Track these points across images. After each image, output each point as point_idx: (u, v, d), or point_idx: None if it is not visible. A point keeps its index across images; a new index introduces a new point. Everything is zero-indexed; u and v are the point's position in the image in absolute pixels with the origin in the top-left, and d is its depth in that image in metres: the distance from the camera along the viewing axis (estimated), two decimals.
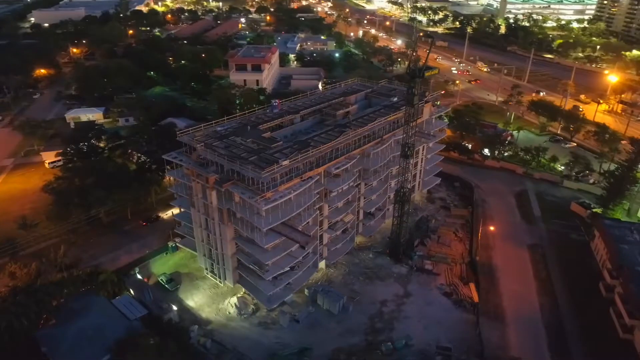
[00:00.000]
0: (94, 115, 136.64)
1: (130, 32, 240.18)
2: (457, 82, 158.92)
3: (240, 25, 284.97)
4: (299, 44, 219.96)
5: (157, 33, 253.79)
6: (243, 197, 59.32)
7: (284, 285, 65.09)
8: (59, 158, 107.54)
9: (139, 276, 73.28)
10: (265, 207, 57.09)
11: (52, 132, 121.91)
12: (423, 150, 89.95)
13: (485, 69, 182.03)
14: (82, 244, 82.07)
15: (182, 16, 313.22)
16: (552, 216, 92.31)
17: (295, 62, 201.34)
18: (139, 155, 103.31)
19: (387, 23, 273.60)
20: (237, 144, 66.91)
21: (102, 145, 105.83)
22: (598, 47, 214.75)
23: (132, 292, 69.74)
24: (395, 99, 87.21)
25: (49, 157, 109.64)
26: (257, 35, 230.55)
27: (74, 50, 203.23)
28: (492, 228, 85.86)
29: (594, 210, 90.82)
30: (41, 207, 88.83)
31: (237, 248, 66.71)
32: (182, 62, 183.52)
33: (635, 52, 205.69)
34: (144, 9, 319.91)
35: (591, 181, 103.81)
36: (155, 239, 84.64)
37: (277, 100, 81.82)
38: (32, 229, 79.19)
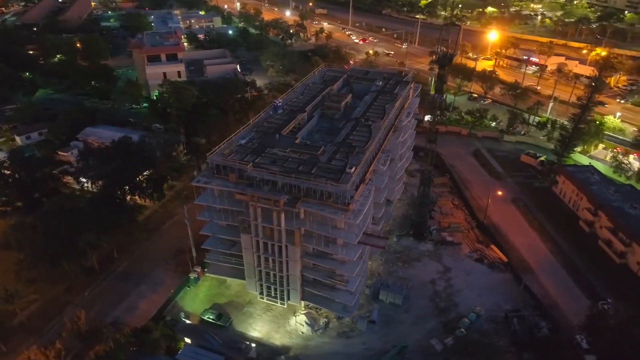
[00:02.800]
0: None
1: None
2: (370, 51, 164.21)
3: (92, 4, 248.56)
4: (180, 22, 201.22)
5: None
6: (323, 214, 56.09)
7: (360, 292, 64.27)
8: None
9: (187, 321, 64.64)
10: (357, 220, 55.07)
11: None
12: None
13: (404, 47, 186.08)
14: (76, 302, 68.97)
15: None
16: (511, 169, 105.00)
17: (187, 44, 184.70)
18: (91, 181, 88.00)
19: None
20: (280, 156, 61.94)
21: (38, 176, 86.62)
22: (460, 5, 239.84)
23: (188, 340, 61.68)
24: (381, 83, 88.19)
25: None
26: (129, 15, 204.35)
27: None
28: (476, 190, 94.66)
29: (541, 159, 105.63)
30: None
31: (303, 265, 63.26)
32: (58, 55, 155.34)
33: (490, 8, 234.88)
34: None
35: (522, 133, 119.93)
36: (161, 274, 75.19)
37: (279, 100, 76.47)
38: (20, 299, 63.21)
